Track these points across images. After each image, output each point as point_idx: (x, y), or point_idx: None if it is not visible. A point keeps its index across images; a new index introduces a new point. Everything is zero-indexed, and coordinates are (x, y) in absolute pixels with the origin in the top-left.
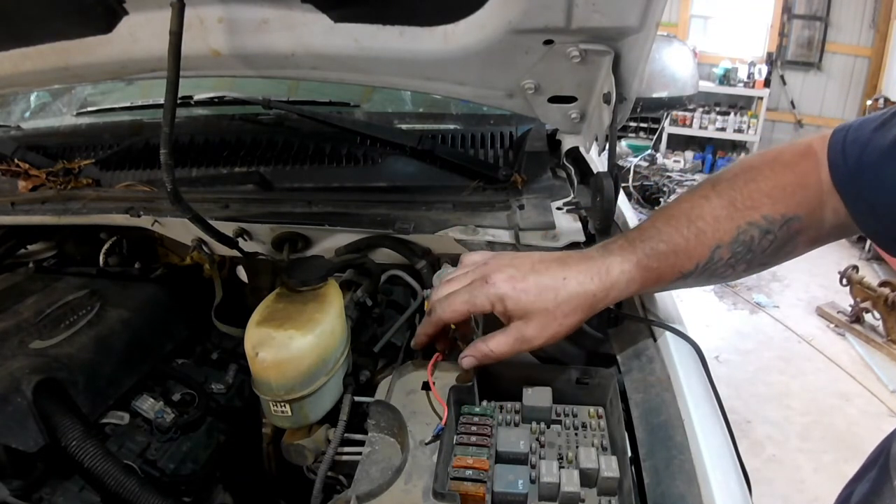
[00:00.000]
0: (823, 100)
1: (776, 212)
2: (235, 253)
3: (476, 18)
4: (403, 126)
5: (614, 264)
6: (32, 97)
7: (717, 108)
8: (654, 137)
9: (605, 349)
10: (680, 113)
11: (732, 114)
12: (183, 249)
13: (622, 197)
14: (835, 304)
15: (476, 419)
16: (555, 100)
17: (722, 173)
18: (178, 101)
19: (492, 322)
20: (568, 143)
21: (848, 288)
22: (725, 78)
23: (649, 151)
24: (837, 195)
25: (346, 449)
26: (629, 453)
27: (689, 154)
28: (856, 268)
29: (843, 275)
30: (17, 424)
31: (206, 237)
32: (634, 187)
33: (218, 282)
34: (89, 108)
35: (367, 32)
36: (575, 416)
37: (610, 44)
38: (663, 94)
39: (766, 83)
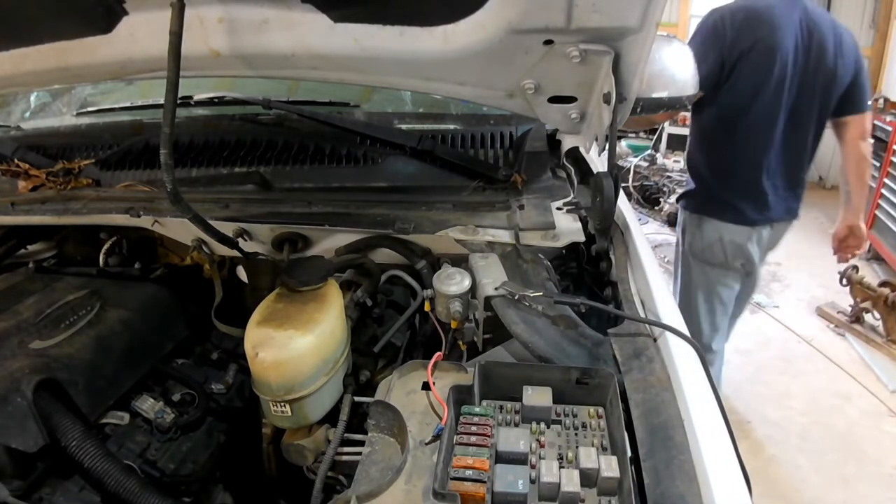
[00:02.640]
0: None
1: None
2: (235, 253)
3: (476, 18)
4: (403, 126)
5: None
6: (32, 97)
7: None
8: (654, 137)
9: (604, 349)
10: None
11: None
12: (183, 249)
13: (622, 197)
14: (835, 304)
15: (476, 419)
16: (555, 100)
17: None
18: (178, 101)
19: (492, 322)
20: (568, 143)
21: (848, 288)
22: None
23: (649, 151)
24: None
25: (346, 449)
26: (629, 453)
27: None
28: (856, 268)
29: (843, 275)
30: (17, 424)
31: (206, 237)
32: (634, 187)
33: (218, 282)
34: (89, 108)
35: (367, 32)
36: (575, 416)
37: (610, 44)
38: (663, 94)
39: None
